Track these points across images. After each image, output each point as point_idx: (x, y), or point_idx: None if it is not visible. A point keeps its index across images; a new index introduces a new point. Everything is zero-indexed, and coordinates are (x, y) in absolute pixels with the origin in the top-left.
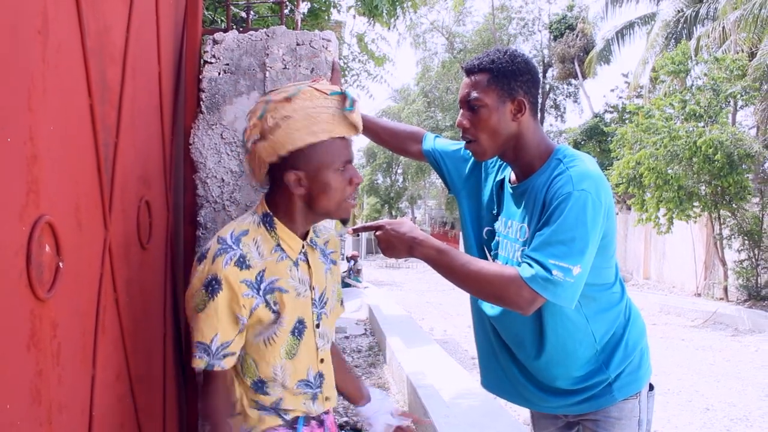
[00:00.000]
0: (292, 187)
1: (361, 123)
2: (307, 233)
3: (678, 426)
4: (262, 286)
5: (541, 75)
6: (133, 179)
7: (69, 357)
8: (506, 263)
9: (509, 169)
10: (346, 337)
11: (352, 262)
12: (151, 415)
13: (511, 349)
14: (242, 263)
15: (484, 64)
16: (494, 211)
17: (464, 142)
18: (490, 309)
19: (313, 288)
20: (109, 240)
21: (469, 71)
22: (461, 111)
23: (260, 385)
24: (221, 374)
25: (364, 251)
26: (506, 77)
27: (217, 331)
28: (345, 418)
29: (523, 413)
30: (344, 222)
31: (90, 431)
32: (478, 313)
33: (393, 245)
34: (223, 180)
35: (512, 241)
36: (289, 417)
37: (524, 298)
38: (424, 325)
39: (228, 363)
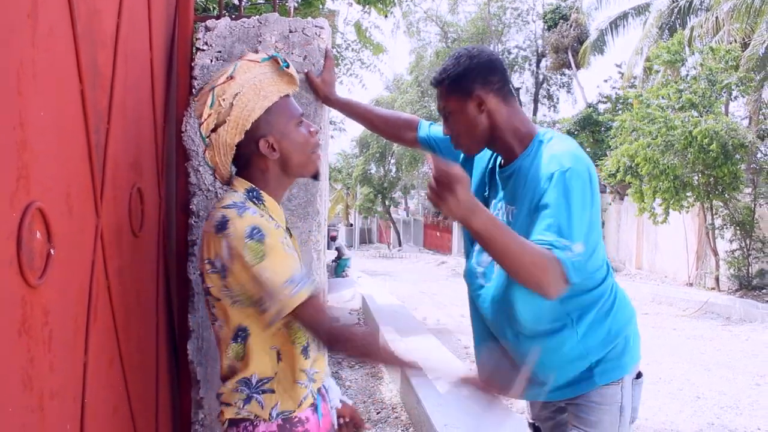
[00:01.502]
0: (268, 154)
1: (297, 75)
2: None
3: (668, 414)
4: None
5: (534, 65)
6: (124, 166)
7: (61, 344)
8: None
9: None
10: None
11: (336, 244)
12: (143, 402)
13: (497, 337)
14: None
15: (438, 77)
16: (485, 195)
17: None
18: (483, 303)
19: (299, 256)
20: (101, 227)
21: (434, 86)
22: (442, 122)
23: (306, 350)
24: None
25: (357, 241)
26: (457, 81)
27: (289, 263)
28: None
29: (517, 403)
30: (315, 177)
31: (82, 418)
32: (473, 304)
33: (457, 200)
34: None
35: None
36: (316, 388)
37: (561, 282)
38: (417, 315)
39: (312, 287)
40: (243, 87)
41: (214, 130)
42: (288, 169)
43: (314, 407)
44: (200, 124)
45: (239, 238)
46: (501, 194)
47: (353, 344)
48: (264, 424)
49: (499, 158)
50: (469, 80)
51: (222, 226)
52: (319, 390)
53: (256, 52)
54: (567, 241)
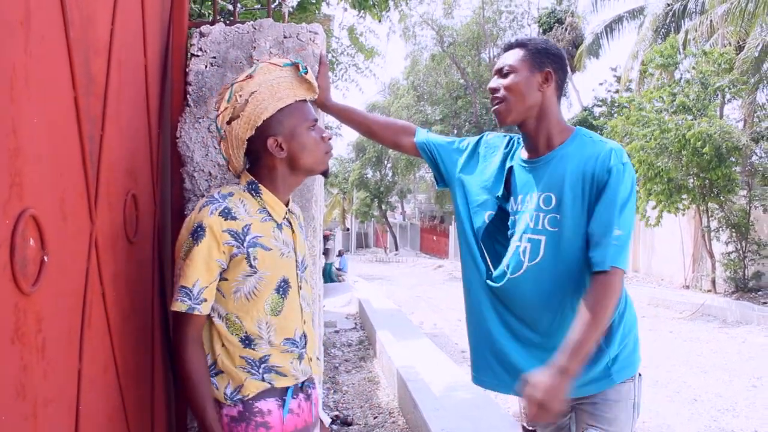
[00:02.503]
0: (275, 152)
1: (316, 84)
2: (288, 202)
3: (666, 416)
4: (247, 239)
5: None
6: (119, 172)
7: (55, 351)
8: (524, 233)
9: (517, 155)
10: (336, 332)
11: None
12: (139, 409)
13: (517, 327)
14: (227, 214)
15: (521, 41)
16: (499, 195)
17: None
18: (500, 279)
19: (296, 252)
20: (95, 233)
21: (507, 47)
22: (494, 78)
23: (248, 342)
24: (198, 320)
25: (353, 245)
26: (539, 52)
27: (198, 276)
28: (335, 412)
29: (513, 406)
30: (325, 174)
31: (77, 425)
32: (477, 296)
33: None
34: (210, 174)
35: (533, 212)
36: (276, 384)
37: (620, 282)
38: (414, 319)
39: (204, 309)
40: (260, 86)
41: (228, 123)
42: (296, 168)
43: (282, 402)
44: (217, 116)
45: (187, 230)
46: (529, 186)
47: (182, 379)
48: (226, 408)
49: (519, 153)
50: (548, 58)
51: (189, 214)
52: (302, 389)
53: (251, 57)
54: (626, 228)
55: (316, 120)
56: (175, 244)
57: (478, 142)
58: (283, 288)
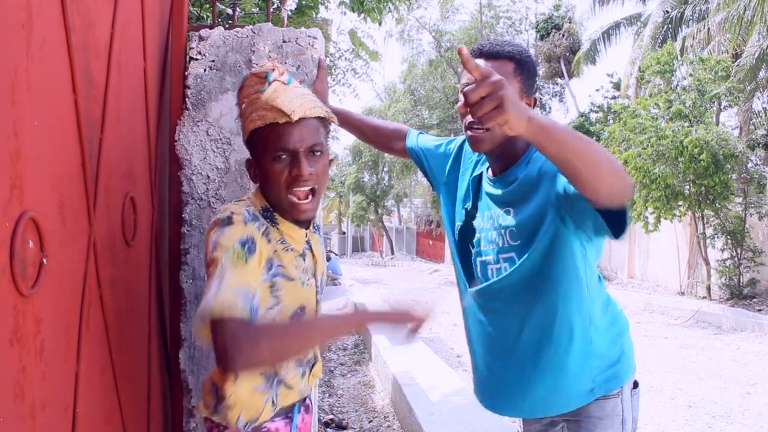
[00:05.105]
0: (252, 177)
1: (289, 106)
2: (309, 222)
3: (660, 423)
4: (274, 265)
5: None
6: (117, 175)
7: (53, 353)
8: (487, 255)
9: (486, 164)
10: None
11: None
12: (135, 411)
13: (493, 337)
14: (267, 235)
15: (508, 52)
16: (467, 207)
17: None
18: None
19: (316, 276)
20: (94, 236)
21: (490, 55)
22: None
23: None
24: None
25: (350, 249)
26: (529, 71)
27: (250, 284)
28: (330, 416)
29: None
30: (299, 223)
31: (74, 427)
32: (463, 304)
33: (513, 103)
34: (208, 177)
35: (489, 230)
36: (280, 402)
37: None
38: None
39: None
40: (245, 100)
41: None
42: (268, 201)
43: (289, 419)
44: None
45: (230, 239)
46: (491, 204)
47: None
48: (231, 430)
49: (484, 167)
50: (535, 78)
51: (225, 224)
52: (304, 401)
53: (250, 61)
54: None
55: (285, 149)
56: (174, 247)
57: (461, 146)
58: (298, 315)
